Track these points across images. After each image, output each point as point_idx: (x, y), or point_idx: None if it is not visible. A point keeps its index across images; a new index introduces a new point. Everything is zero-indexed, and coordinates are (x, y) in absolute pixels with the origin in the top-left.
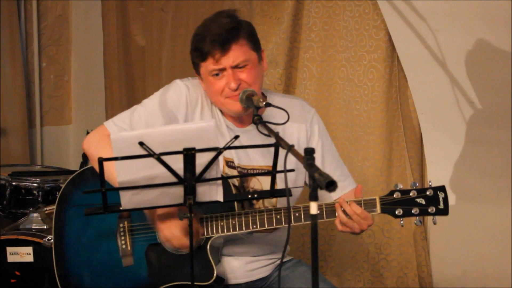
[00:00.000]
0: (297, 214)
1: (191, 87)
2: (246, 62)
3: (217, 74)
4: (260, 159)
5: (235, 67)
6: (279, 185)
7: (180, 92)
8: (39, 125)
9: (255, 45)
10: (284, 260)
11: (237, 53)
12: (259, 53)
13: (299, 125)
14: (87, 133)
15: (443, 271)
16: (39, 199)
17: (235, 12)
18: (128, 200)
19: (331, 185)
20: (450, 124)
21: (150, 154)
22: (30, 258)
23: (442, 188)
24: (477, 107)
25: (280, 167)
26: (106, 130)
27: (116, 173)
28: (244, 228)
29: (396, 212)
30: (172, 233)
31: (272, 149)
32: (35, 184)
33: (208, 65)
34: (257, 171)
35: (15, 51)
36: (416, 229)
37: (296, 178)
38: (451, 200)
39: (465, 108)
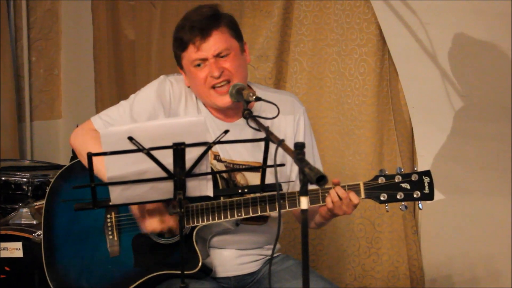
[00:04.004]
0: (281, 201)
1: (174, 82)
2: (228, 51)
3: (199, 65)
4: (246, 154)
5: (217, 55)
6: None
7: (164, 87)
8: (29, 119)
9: (237, 34)
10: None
11: (218, 41)
12: (241, 44)
13: (286, 118)
14: (77, 127)
15: (434, 264)
16: (29, 194)
17: (216, 6)
18: (117, 195)
19: (321, 180)
20: (441, 118)
21: (140, 149)
22: (19, 254)
23: (428, 173)
24: (467, 100)
25: (270, 161)
26: (92, 125)
27: (105, 168)
28: (229, 217)
29: (381, 197)
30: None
31: (259, 145)
32: (25, 179)
33: (190, 54)
34: (243, 166)
35: (4, 46)
36: (407, 223)
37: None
38: (442, 194)
39: (455, 101)
